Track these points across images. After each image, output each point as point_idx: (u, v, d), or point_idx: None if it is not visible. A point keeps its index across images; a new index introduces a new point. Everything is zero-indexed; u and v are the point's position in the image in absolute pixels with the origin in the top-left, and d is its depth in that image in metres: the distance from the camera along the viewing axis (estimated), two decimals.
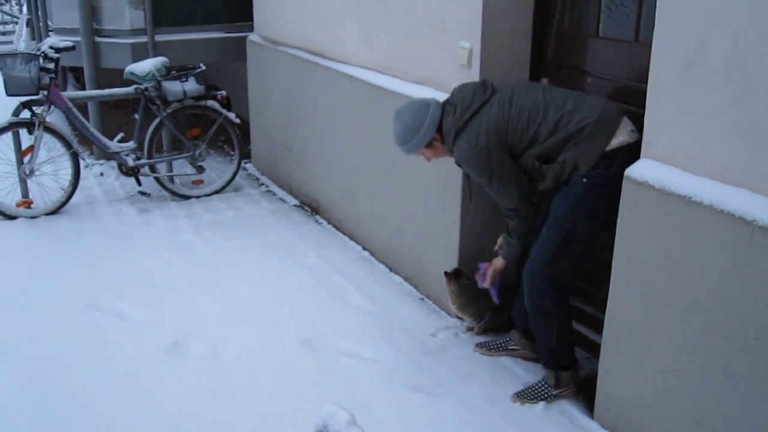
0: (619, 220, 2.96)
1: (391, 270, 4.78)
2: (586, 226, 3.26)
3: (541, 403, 3.43)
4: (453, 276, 3.90)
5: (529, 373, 3.67)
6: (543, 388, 3.51)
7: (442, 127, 3.43)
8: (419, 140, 3.45)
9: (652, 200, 2.79)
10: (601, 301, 3.30)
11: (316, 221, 5.71)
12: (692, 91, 2.64)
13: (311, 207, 5.92)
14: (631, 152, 3.05)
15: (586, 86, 3.57)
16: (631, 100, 3.27)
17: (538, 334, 3.51)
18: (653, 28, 2.76)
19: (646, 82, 2.83)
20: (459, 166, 3.51)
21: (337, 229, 5.49)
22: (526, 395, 3.50)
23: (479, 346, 3.90)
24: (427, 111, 3.43)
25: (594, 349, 3.63)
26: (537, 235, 3.40)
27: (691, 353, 2.74)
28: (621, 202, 2.94)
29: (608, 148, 3.13)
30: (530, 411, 3.39)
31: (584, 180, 3.17)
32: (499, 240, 3.60)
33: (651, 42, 2.78)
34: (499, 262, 3.62)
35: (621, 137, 3.13)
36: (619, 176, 2.99)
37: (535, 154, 3.26)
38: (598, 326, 3.40)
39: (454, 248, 4.05)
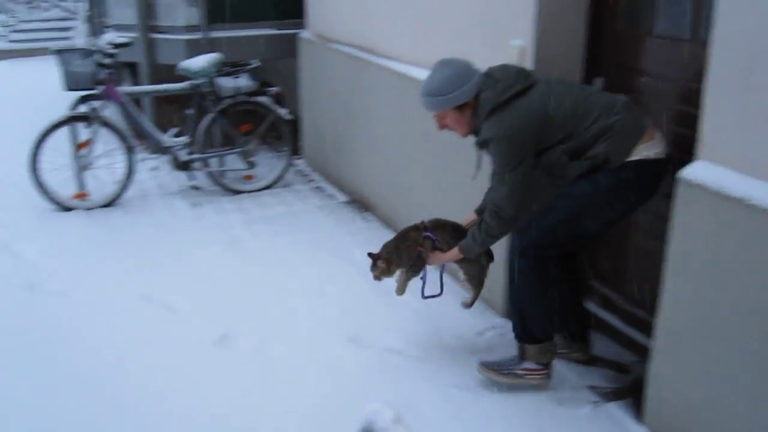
0: (672, 222, 2.91)
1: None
2: (601, 214, 3.24)
3: (589, 406, 3.39)
4: (375, 268, 3.65)
5: (577, 375, 3.63)
6: (507, 362, 3.53)
7: (478, 97, 3.27)
8: (456, 97, 3.25)
9: (707, 202, 2.73)
10: (651, 304, 3.25)
11: (365, 218, 5.72)
12: (752, 92, 2.57)
13: (360, 204, 5.94)
14: (664, 167, 3.12)
15: (640, 86, 3.51)
16: (686, 100, 3.21)
17: (518, 300, 3.46)
18: (711, 26, 2.70)
19: (703, 82, 2.77)
20: (479, 146, 3.31)
21: (386, 226, 5.49)
22: (489, 366, 3.53)
23: None
24: (473, 73, 3.28)
25: (643, 353, 3.57)
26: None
27: (745, 360, 2.68)
28: (674, 204, 2.88)
29: (645, 157, 3.10)
30: (577, 414, 3.35)
31: (616, 175, 3.14)
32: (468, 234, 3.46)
33: (709, 41, 2.72)
34: (451, 254, 3.53)
35: (657, 150, 3.12)
36: (649, 177, 3.09)
37: (564, 149, 3.18)
38: (647, 329, 3.35)
39: (505, 247, 4.02)
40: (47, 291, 4.48)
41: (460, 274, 3.73)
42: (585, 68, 3.81)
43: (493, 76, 3.26)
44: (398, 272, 3.64)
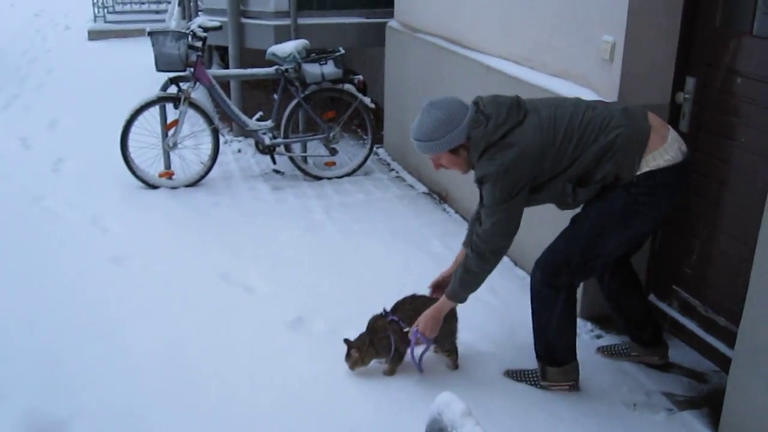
0: (762, 228, 2.81)
1: (516, 264, 4.72)
2: (614, 236, 3.17)
3: (663, 413, 3.32)
4: (348, 350, 3.51)
5: (651, 380, 3.55)
6: (532, 375, 3.49)
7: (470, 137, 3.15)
8: (449, 140, 3.14)
9: None
10: (734, 312, 3.15)
11: (444, 210, 5.70)
12: None
13: (439, 195, 5.92)
14: (681, 170, 3.03)
15: (736, 87, 3.40)
16: None
17: (536, 323, 3.41)
18: None
19: None
20: (478, 183, 3.21)
21: (464, 218, 5.47)
22: (515, 375, 3.52)
23: (600, 349, 3.80)
24: (465, 112, 3.14)
25: (723, 363, 3.47)
26: None
27: None
28: (766, 209, 2.78)
29: (655, 167, 3.01)
30: (650, 420, 3.28)
31: (627, 192, 3.05)
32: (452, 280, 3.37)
33: None
34: (439, 307, 3.38)
35: (669, 156, 3.02)
36: (664, 187, 3.00)
37: (568, 177, 3.09)
38: (730, 339, 3.25)
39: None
40: (130, 265, 4.62)
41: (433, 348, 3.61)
42: (676, 67, 3.71)
43: (484, 111, 3.14)
44: (374, 361, 3.55)
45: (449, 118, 3.13)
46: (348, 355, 3.49)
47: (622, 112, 3.09)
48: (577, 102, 3.18)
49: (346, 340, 3.49)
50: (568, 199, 3.16)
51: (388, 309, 3.57)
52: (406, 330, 3.47)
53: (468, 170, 3.32)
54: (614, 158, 3.01)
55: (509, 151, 3.04)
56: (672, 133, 3.11)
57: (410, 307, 3.54)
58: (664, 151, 3.03)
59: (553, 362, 3.42)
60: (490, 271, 3.28)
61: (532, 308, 3.41)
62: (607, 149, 3.02)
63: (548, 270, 3.28)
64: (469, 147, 3.16)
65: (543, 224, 4.33)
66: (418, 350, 3.50)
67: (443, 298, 3.37)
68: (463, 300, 3.36)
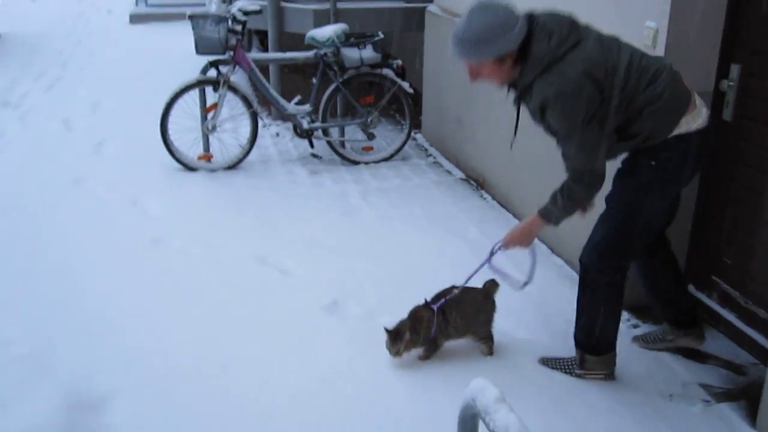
0: None
1: (552, 251, 4.69)
2: (651, 208, 3.13)
3: (699, 405, 3.28)
4: (392, 338, 3.45)
5: (688, 371, 3.51)
6: (568, 363, 3.46)
7: (527, 50, 2.89)
8: (496, 46, 2.86)
9: None
10: None
11: (481, 196, 5.68)
12: None
13: (477, 181, 5.90)
14: (708, 135, 3.00)
15: None
16: None
17: (580, 310, 3.37)
18: None
19: None
20: (539, 114, 2.95)
21: (502, 205, 5.44)
22: (550, 363, 3.50)
23: (636, 339, 3.77)
24: (516, 21, 2.86)
25: (762, 356, 3.42)
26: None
27: None
28: None
29: (686, 131, 2.96)
30: (687, 411, 3.24)
31: (653, 163, 3.00)
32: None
33: None
34: (529, 224, 3.22)
35: (700, 120, 3.00)
36: (693, 151, 2.98)
37: (616, 124, 2.94)
38: None
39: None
40: (169, 246, 4.67)
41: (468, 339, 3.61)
42: (721, 54, 3.64)
43: (545, 26, 2.89)
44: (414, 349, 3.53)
45: (503, 22, 2.84)
46: (394, 342, 3.43)
47: (670, 69, 3.01)
48: (633, 47, 3.04)
49: (387, 329, 3.46)
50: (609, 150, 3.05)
51: (429, 299, 3.56)
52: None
53: (506, 84, 3.10)
54: (656, 114, 2.92)
55: (570, 69, 2.82)
56: (698, 98, 3.07)
57: (451, 298, 3.53)
58: (697, 115, 3.00)
59: (593, 350, 3.39)
60: (591, 198, 3.08)
61: (580, 295, 3.37)
62: (653, 101, 2.91)
63: (597, 254, 3.23)
64: (519, 58, 2.92)
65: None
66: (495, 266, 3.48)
67: (535, 217, 3.19)
68: (558, 222, 3.14)
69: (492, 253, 3.41)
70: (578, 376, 3.44)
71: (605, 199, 3.25)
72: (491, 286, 3.63)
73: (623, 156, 3.18)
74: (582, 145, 2.91)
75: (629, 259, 3.30)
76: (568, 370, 3.47)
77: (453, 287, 3.57)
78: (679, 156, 3.00)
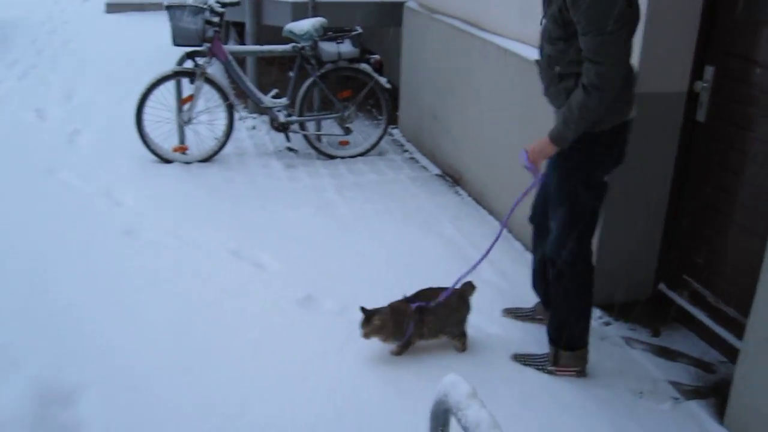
0: None
1: (526, 249, 4.72)
2: (598, 187, 3.23)
3: (669, 402, 3.32)
4: (366, 319, 3.47)
5: (658, 369, 3.55)
6: (541, 360, 3.51)
7: None
8: None
9: None
10: (744, 304, 3.14)
11: (456, 192, 5.70)
12: None
13: (453, 177, 5.92)
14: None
15: (755, 77, 3.37)
16: None
17: (554, 306, 3.46)
18: None
19: None
20: (570, 4, 2.91)
21: (477, 202, 5.46)
22: (522, 359, 3.54)
23: (507, 311, 3.93)
24: None
25: (731, 354, 3.47)
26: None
27: None
28: None
29: (628, 118, 3.14)
30: (656, 408, 3.28)
31: (576, 150, 3.12)
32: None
33: None
34: (544, 145, 3.15)
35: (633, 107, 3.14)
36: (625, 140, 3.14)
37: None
38: (738, 330, 3.24)
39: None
40: (142, 238, 4.64)
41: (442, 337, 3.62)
42: (695, 55, 3.67)
43: None
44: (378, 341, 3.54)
45: None
46: (367, 322, 3.44)
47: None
48: None
49: (364, 309, 3.47)
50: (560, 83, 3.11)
51: (408, 296, 3.57)
52: (432, 304, 3.51)
53: None
54: (623, 93, 3.04)
55: None
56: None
57: (428, 295, 3.55)
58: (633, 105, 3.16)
59: (568, 346, 3.44)
60: (598, 109, 2.99)
61: (553, 292, 3.43)
62: (630, 73, 3.06)
63: (558, 245, 3.30)
64: None
65: None
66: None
67: (545, 141, 3.14)
68: (567, 143, 3.10)
69: (527, 167, 3.29)
70: (550, 372, 3.46)
71: (548, 195, 3.35)
72: (467, 288, 3.65)
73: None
74: (610, 47, 2.89)
75: (588, 243, 3.33)
76: (540, 367, 3.49)
77: (433, 289, 3.58)
78: (616, 142, 3.17)
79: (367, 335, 3.47)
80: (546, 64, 3.18)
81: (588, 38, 2.90)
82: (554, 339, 3.47)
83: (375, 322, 3.44)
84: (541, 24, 3.23)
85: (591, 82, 2.92)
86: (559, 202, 3.27)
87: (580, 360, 3.46)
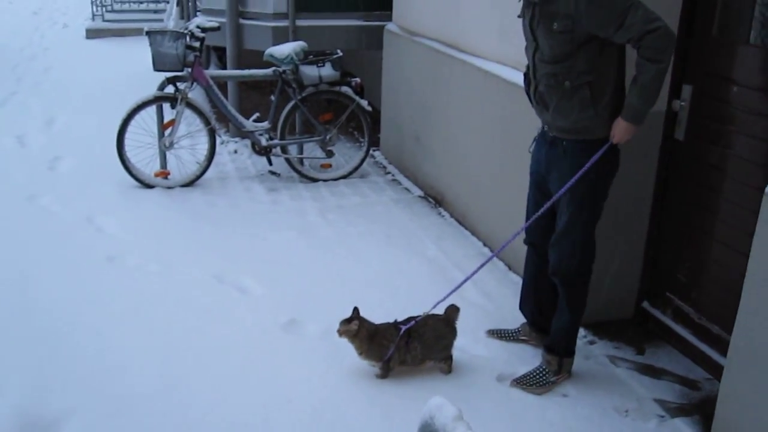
0: (756, 236, 2.82)
1: (510, 269, 4.73)
2: (602, 195, 3.33)
3: (655, 420, 3.32)
4: (347, 319, 3.51)
5: (643, 387, 3.55)
6: (543, 374, 3.54)
7: None
8: None
9: None
10: (728, 321, 3.16)
11: (439, 213, 5.71)
12: None
13: (435, 199, 5.93)
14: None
15: (732, 95, 3.41)
16: None
17: (562, 316, 3.50)
18: None
19: None
20: (572, 18, 3.01)
21: (460, 223, 5.47)
22: (526, 381, 3.53)
23: (491, 333, 3.94)
24: None
25: (716, 371, 3.48)
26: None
27: None
28: (759, 218, 2.79)
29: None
30: (642, 427, 3.28)
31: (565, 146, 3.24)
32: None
33: None
34: (627, 131, 3.15)
35: None
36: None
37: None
38: (722, 347, 3.26)
39: None
40: (125, 264, 4.61)
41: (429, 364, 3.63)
42: (673, 75, 3.71)
43: None
44: (367, 364, 3.56)
45: None
46: (348, 321, 3.48)
47: None
48: None
49: (356, 309, 3.51)
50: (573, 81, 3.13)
51: (399, 321, 3.58)
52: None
53: None
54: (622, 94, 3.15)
55: None
56: None
57: (423, 323, 3.55)
58: None
59: (570, 351, 3.56)
60: (668, 61, 3.01)
61: (564, 304, 3.47)
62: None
63: (577, 261, 3.37)
64: None
65: None
66: None
67: (626, 126, 3.13)
68: (643, 117, 3.12)
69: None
70: (552, 383, 3.50)
71: (560, 212, 3.36)
72: (452, 312, 3.64)
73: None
74: (647, 11, 2.93)
75: (594, 249, 3.43)
76: (543, 382, 3.50)
77: (428, 315, 3.58)
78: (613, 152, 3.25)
79: (340, 333, 3.49)
80: (553, 82, 3.18)
81: (628, 21, 2.93)
82: (556, 349, 3.53)
83: (351, 326, 3.47)
84: (530, 53, 3.29)
85: (657, 47, 2.93)
86: (576, 213, 3.30)
87: (572, 364, 3.59)
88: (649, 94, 3.05)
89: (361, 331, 3.47)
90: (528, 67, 3.37)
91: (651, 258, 4.02)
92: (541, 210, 3.38)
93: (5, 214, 5.30)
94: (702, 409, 3.37)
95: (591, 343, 3.94)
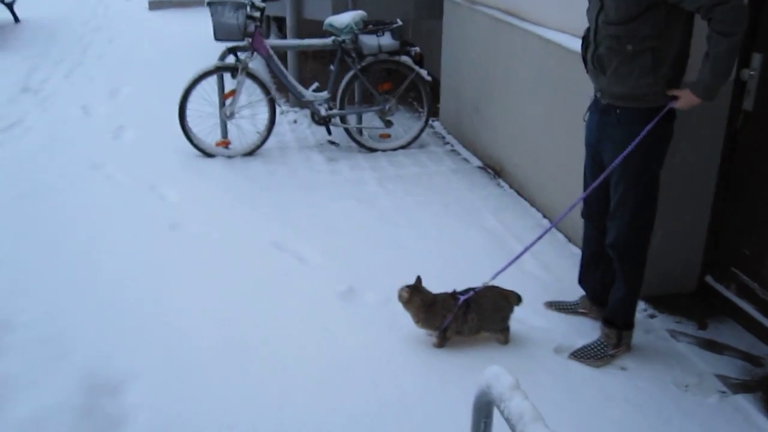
0: None
1: (569, 240, 4.68)
2: (658, 171, 3.27)
3: (715, 396, 3.26)
4: (412, 292, 3.52)
5: (704, 362, 3.49)
6: (601, 347, 3.52)
7: None
8: None
9: None
10: None
11: (498, 184, 5.67)
12: None
13: (494, 169, 5.88)
14: None
15: None
16: None
17: (619, 289, 3.48)
18: None
19: None
20: None
21: (519, 194, 5.43)
22: (585, 354, 3.51)
23: (550, 305, 3.93)
24: None
25: None
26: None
27: None
28: None
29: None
30: (703, 402, 3.23)
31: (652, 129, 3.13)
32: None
33: None
34: (693, 104, 3.10)
35: None
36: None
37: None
38: None
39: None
40: (187, 231, 4.70)
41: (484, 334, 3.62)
42: (742, 43, 3.59)
43: None
44: (424, 332, 3.58)
45: None
46: (407, 288, 3.52)
47: None
48: None
49: (419, 277, 3.54)
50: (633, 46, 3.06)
51: (458, 291, 3.58)
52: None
53: None
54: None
55: None
56: None
57: (482, 294, 3.55)
58: None
59: (630, 324, 3.54)
60: (740, 36, 2.93)
61: (621, 277, 3.45)
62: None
63: (633, 228, 3.33)
64: None
65: None
66: None
67: (694, 99, 3.08)
68: (714, 92, 3.05)
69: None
70: (610, 356, 3.48)
71: (614, 181, 3.31)
72: (515, 299, 3.63)
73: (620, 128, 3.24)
74: None
75: (653, 221, 3.40)
76: (601, 354, 3.49)
77: (486, 287, 3.56)
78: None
79: (400, 296, 3.53)
80: (615, 45, 3.10)
81: None
82: (614, 322, 3.51)
83: (402, 292, 3.51)
84: (593, 14, 3.21)
85: (728, 19, 2.85)
86: (631, 185, 3.26)
87: (631, 338, 3.57)
88: (721, 68, 2.95)
89: (414, 300, 3.49)
90: (588, 29, 3.30)
91: (716, 231, 3.93)
92: (596, 181, 3.33)
93: (72, 182, 5.44)
94: (765, 386, 3.30)
95: (651, 316, 3.88)
